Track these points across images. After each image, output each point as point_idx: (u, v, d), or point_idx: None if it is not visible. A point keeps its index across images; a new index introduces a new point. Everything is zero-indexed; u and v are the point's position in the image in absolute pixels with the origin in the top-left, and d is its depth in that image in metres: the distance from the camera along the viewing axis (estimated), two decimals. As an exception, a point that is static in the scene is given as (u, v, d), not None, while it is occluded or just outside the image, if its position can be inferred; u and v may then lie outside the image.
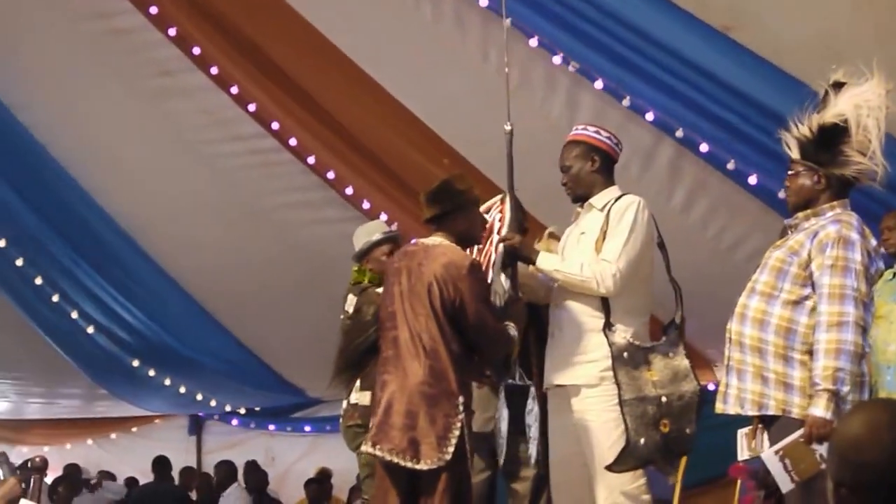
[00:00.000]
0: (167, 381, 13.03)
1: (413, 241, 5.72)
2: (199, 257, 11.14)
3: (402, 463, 5.22)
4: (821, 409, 4.56)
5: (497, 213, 6.02)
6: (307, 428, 13.92)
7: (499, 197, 6.16)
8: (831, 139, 4.89)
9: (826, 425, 4.53)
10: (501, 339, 5.48)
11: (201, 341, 12.23)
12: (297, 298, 11.01)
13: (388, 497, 5.35)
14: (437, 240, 5.52)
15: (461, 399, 5.28)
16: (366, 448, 5.36)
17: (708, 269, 7.79)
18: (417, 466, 5.22)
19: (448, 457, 5.20)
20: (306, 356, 11.91)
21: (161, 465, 13.10)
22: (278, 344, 12.21)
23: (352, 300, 6.87)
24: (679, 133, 7.64)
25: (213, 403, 13.98)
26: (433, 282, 5.33)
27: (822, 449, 4.55)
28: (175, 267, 11.42)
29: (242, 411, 14.29)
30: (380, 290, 6.03)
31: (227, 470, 12.23)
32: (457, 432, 5.23)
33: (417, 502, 5.38)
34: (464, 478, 5.36)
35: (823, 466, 4.54)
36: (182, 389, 13.26)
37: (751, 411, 4.87)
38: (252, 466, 12.58)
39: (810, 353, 4.72)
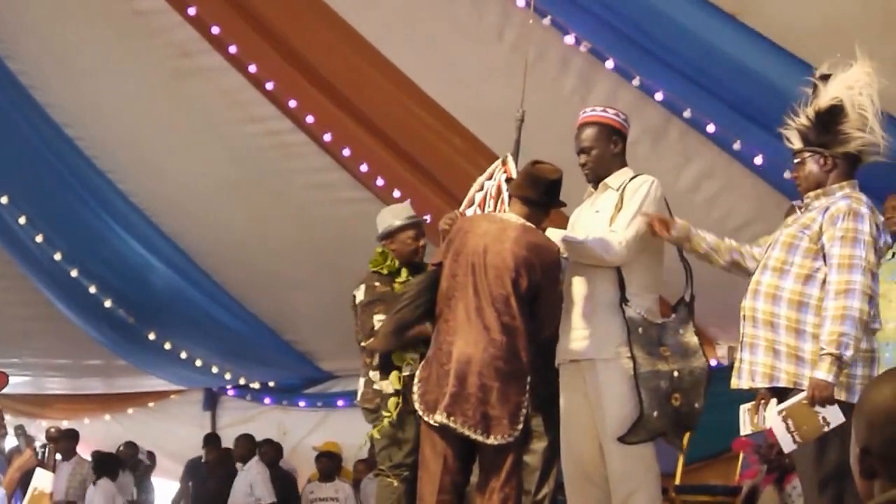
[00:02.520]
0: (183, 354, 13.05)
1: (488, 205, 5.62)
2: (214, 235, 11.18)
3: (473, 436, 5.15)
4: (823, 373, 4.55)
5: (502, 174, 5.98)
6: (318, 403, 13.84)
7: (500, 160, 6.10)
8: (829, 121, 4.88)
9: (828, 388, 4.56)
10: (557, 322, 5.46)
11: (215, 315, 12.22)
12: (312, 276, 11.03)
13: (446, 459, 5.23)
14: (517, 218, 5.39)
15: (529, 378, 5.24)
16: (439, 418, 5.17)
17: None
18: (489, 441, 5.15)
19: (517, 433, 5.19)
20: (320, 332, 12.00)
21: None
22: (293, 319, 12.24)
23: (362, 289, 6.84)
24: (687, 113, 7.58)
25: (227, 376, 13.94)
26: (520, 262, 5.23)
27: (824, 412, 4.55)
28: (191, 244, 11.45)
29: (256, 386, 14.24)
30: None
31: (247, 444, 12.22)
32: (524, 411, 5.21)
33: (468, 472, 5.35)
34: (521, 456, 5.36)
35: (826, 429, 4.58)
36: (198, 363, 13.27)
37: (762, 384, 4.84)
38: (267, 441, 12.56)
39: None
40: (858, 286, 4.61)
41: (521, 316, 5.24)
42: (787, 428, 4.63)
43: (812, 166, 4.91)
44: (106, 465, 12.60)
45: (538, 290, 5.28)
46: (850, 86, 4.86)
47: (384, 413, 6.65)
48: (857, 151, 4.88)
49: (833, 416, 4.55)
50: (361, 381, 6.99)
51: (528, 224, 5.37)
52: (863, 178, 4.96)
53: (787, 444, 4.68)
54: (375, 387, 6.82)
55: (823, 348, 4.58)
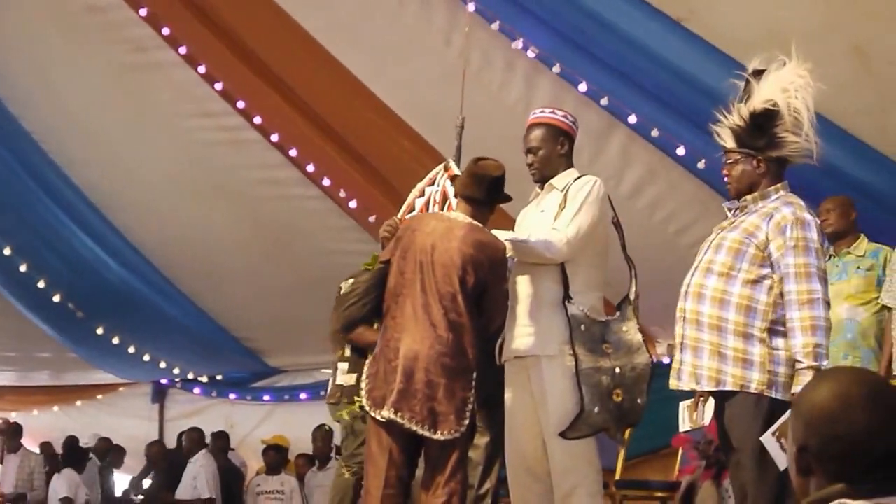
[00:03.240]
0: (131, 349, 12.99)
1: (432, 211, 5.63)
2: (165, 230, 11.11)
3: (421, 432, 5.17)
4: None
5: (445, 179, 6.02)
6: (266, 397, 13.82)
7: (442, 165, 6.13)
8: (764, 124, 4.89)
9: None
10: (503, 318, 5.49)
11: (165, 310, 12.17)
12: (260, 271, 11.02)
13: (391, 453, 5.26)
14: (464, 217, 5.43)
15: (475, 374, 5.27)
16: (387, 414, 5.19)
17: (654, 252, 7.71)
18: (435, 436, 5.17)
19: (464, 429, 5.20)
20: (269, 329, 11.97)
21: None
22: (241, 314, 12.19)
23: (349, 283, 6.91)
24: (632, 119, 7.62)
25: (176, 371, 13.93)
26: (467, 260, 5.26)
27: None
28: (140, 238, 11.37)
29: (204, 380, 14.20)
30: None
31: (196, 437, 12.18)
32: (471, 407, 5.23)
33: (413, 467, 5.36)
34: (467, 452, 5.40)
35: None
36: (147, 357, 13.22)
37: (707, 387, 4.83)
38: (217, 434, 12.54)
39: (769, 330, 4.70)
40: (820, 295, 4.63)
41: (468, 313, 5.27)
42: (781, 446, 4.58)
43: (745, 166, 4.92)
44: (73, 455, 12.54)
45: (485, 287, 5.30)
46: (784, 88, 4.87)
47: (356, 398, 6.70)
48: (789, 156, 4.91)
49: None
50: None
51: (475, 222, 5.40)
52: (793, 179, 5.00)
53: (782, 462, 4.62)
54: (338, 381, 6.90)
55: (802, 361, 4.57)
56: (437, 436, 5.17)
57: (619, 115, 7.72)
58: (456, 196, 5.58)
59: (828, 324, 4.63)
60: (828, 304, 4.67)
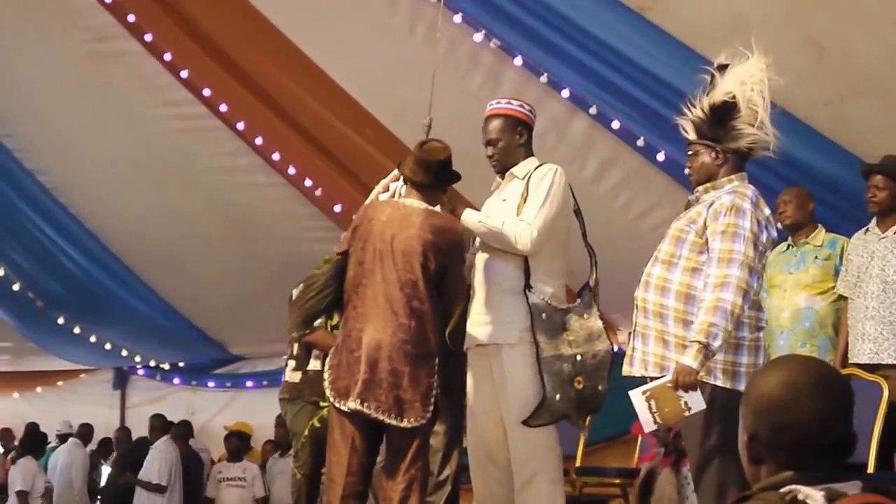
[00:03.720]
0: (93, 338, 12.94)
1: (385, 198, 5.62)
2: (126, 218, 11.06)
3: (388, 421, 5.18)
4: (689, 359, 4.60)
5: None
6: (227, 384, 13.82)
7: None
8: (723, 116, 4.94)
9: (692, 374, 4.59)
10: (462, 302, 5.51)
11: (126, 299, 12.13)
12: (223, 259, 11.01)
13: (353, 441, 5.27)
14: (420, 203, 5.44)
15: (437, 360, 5.30)
16: (352, 404, 5.19)
17: (615, 238, 7.77)
18: (402, 424, 5.18)
19: (429, 415, 5.23)
20: (231, 318, 11.94)
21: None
22: (203, 302, 12.14)
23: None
24: (593, 110, 7.66)
25: (137, 359, 13.90)
26: (427, 246, 5.28)
27: (686, 397, 4.61)
28: (101, 226, 11.32)
29: (166, 367, 14.16)
30: None
31: (158, 423, 12.16)
32: (435, 392, 5.25)
33: (375, 454, 5.40)
34: (429, 438, 5.44)
35: (687, 414, 4.66)
36: (108, 346, 13.18)
37: (654, 372, 4.87)
38: (181, 423, 12.57)
39: None
40: (734, 280, 4.64)
41: (430, 299, 5.29)
42: (650, 408, 4.69)
43: (704, 158, 4.97)
44: (32, 441, 12.50)
45: (445, 271, 5.34)
46: (743, 81, 4.91)
47: (322, 403, 6.83)
48: (748, 147, 4.95)
49: (695, 402, 4.62)
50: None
51: (430, 207, 5.42)
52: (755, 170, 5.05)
53: (647, 425, 4.74)
54: (286, 378, 7.00)
55: (692, 336, 4.64)
56: (404, 423, 5.19)
57: (581, 106, 7.75)
58: (405, 182, 5.58)
59: (734, 308, 4.61)
60: (744, 291, 4.64)
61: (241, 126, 9.53)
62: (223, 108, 9.42)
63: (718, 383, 4.74)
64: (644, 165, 7.97)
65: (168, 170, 10.28)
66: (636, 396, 4.71)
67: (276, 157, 9.66)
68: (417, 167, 5.45)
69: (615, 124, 7.65)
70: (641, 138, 7.60)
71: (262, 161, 9.85)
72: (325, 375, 5.39)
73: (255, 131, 9.56)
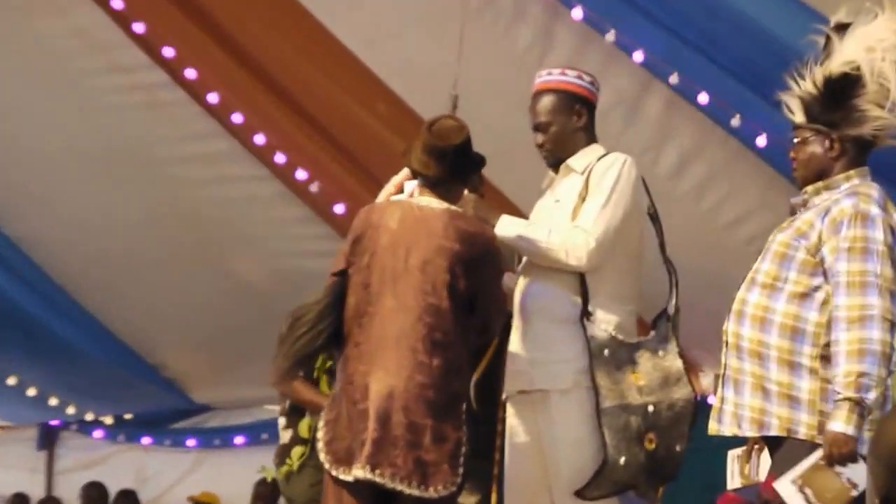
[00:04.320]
0: (11, 381, 12.97)
1: (395, 197, 5.64)
2: (58, 222, 11.07)
3: (408, 491, 5.17)
4: (841, 423, 4.58)
5: None
6: (190, 442, 13.85)
7: None
8: (841, 93, 4.94)
9: (849, 442, 4.56)
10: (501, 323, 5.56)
11: (56, 329, 12.13)
12: (187, 279, 11.04)
13: None
14: (439, 203, 5.47)
15: (464, 406, 5.32)
16: (360, 472, 5.18)
17: (700, 250, 7.89)
18: (426, 495, 5.19)
19: (461, 479, 5.24)
20: (194, 351, 11.94)
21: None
22: (160, 335, 12.17)
23: None
24: (674, 79, 7.66)
25: (70, 410, 13.92)
26: (454, 260, 5.32)
27: (848, 472, 4.60)
28: (26, 234, 11.33)
29: (109, 420, 14.23)
30: None
31: (95, 495, 12.22)
32: (465, 449, 5.27)
33: None
34: None
35: (854, 494, 4.61)
36: (31, 391, 13.21)
37: (749, 432, 4.92)
38: (123, 493, 12.61)
39: (822, 358, 4.76)
40: (877, 311, 4.64)
41: (457, 330, 5.31)
42: (806, 498, 4.66)
43: (815, 148, 4.97)
44: None
45: (478, 290, 5.37)
46: (870, 46, 4.90)
47: (287, 461, 6.97)
48: (873, 135, 4.93)
49: (858, 476, 4.59)
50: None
51: (454, 208, 5.46)
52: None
53: None
54: (281, 439, 7.12)
55: (839, 392, 4.60)
56: (430, 493, 5.20)
57: (658, 74, 7.81)
58: (414, 177, 5.63)
59: (884, 347, 4.63)
60: (890, 324, 4.67)
61: (213, 99, 9.52)
62: (190, 73, 9.39)
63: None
64: (739, 155, 8.00)
65: (116, 157, 10.24)
66: (786, 488, 4.71)
67: (259, 139, 9.66)
68: (429, 157, 5.48)
69: (702, 98, 7.67)
70: (737, 116, 7.59)
71: (240, 146, 9.88)
72: (320, 434, 5.41)
73: (233, 106, 9.54)
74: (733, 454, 5.51)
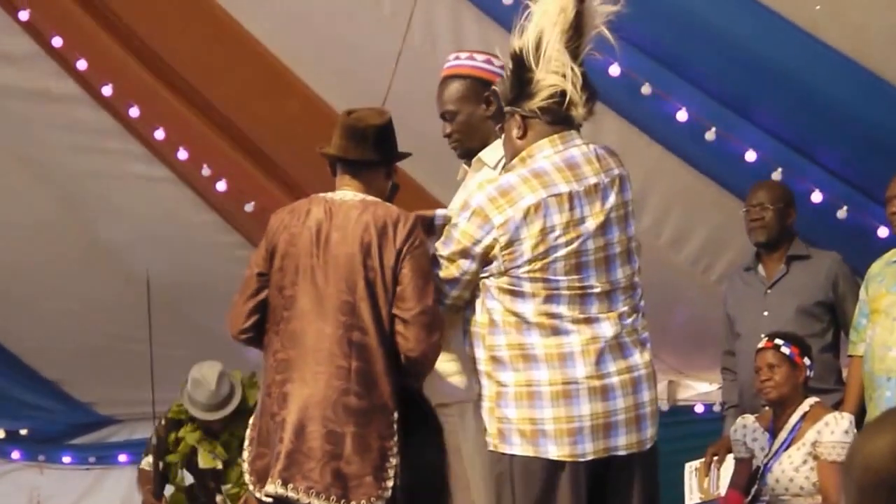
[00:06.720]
0: None
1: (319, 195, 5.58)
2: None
3: None
4: None
5: None
6: (91, 459, 13.59)
7: None
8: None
9: None
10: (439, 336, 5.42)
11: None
12: (79, 279, 10.86)
13: None
14: (354, 194, 5.42)
15: (396, 415, 5.25)
16: (272, 488, 5.17)
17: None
18: None
19: (388, 494, 5.18)
20: (94, 360, 11.69)
21: None
22: (57, 345, 11.89)
23: None
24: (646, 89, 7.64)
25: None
26: (371, 253, 5.26)
27: None
28: None
29: (0, 435, 13.91)
30: None
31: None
32: (394, 460, 5.22)
33: None
34: None
35: None
36: None
37: None
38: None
39: None
40: None
41: (377, 328, 5.25)
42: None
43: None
44: None
45: (397, 277, 5.28)
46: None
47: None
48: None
49: None
50: None
51: (369, 198, 5.40)
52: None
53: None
54: None
55: None
56: None
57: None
58: (331, 166, 5.55)
59: None
60: None
61: (107, 91, 9.31)
62: (81, 64, 9.22)
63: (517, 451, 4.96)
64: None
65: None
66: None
67: (159, 134, 9.47)
68: (347, 140, 5.42)
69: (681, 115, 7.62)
70: (712, 130, 7.58)
71: (136, 145, 9.76)
72: (245, 453, 5.43)
73: (128, 97, 9.38)
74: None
